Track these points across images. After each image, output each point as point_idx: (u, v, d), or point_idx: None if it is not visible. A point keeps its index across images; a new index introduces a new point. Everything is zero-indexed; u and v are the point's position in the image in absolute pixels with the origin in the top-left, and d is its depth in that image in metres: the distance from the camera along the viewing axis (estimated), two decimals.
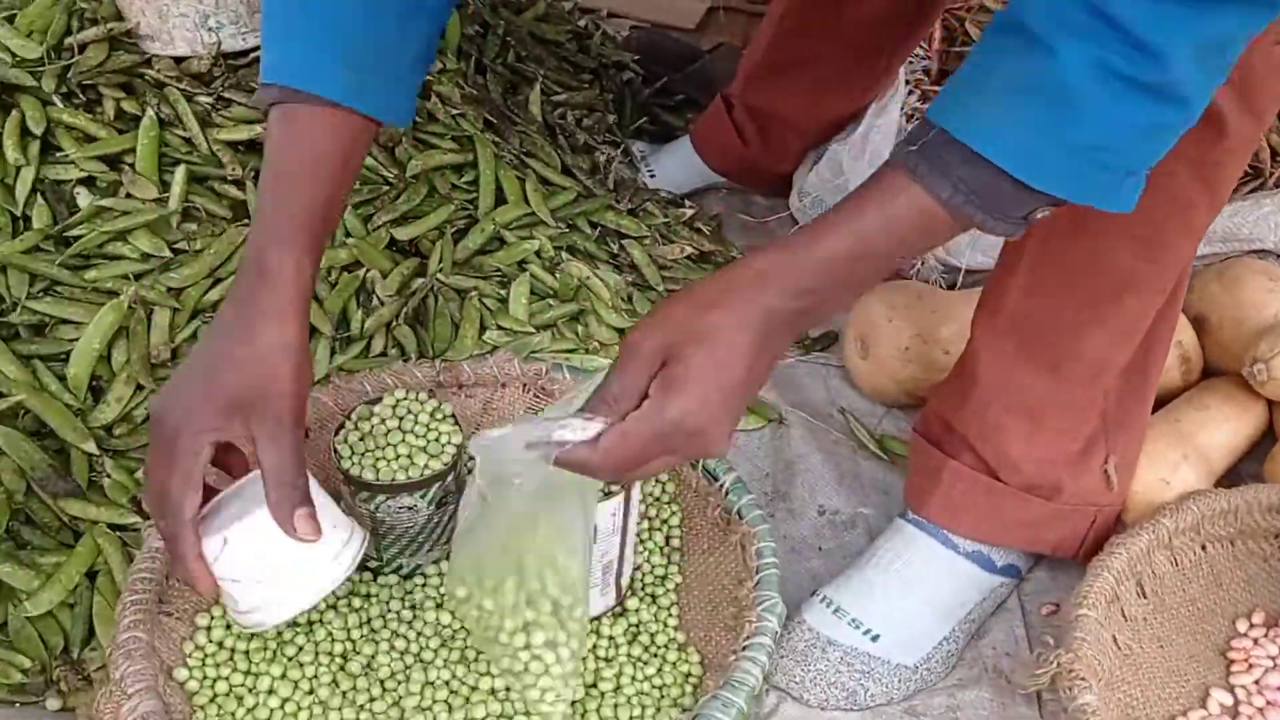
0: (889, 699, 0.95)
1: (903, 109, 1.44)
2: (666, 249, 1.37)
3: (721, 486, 1.04)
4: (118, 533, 1.00)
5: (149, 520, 0.98)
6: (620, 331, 1.24)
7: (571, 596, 0.84)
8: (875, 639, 0.94)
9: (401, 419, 0.96)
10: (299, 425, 0.79)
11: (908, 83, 1.47)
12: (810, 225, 0.72)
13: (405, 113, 0.90)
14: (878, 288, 1.27)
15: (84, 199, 1.15)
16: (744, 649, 0.91)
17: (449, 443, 0.95)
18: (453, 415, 0.97)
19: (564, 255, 1.28)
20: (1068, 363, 0.94)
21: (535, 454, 0.74)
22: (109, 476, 1.04)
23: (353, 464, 0.93)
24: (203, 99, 1.21)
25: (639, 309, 1.28)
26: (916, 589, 0.96)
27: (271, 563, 0.80)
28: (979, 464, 0.98)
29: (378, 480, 0.93)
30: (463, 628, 0.96)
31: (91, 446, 1.03)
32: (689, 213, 1.44)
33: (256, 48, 1.26)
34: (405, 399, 0.98)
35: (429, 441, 0.95)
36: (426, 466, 0.93)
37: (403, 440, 0.94)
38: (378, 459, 0.93)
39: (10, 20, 1.20)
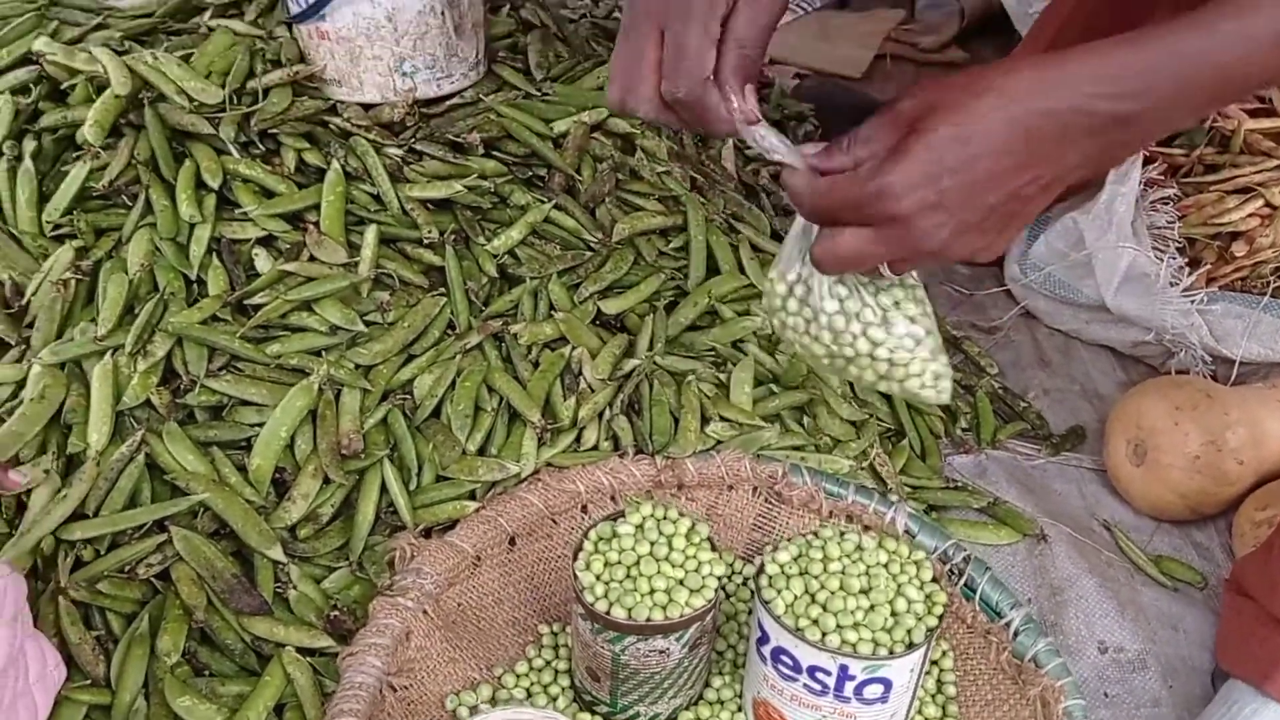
0: None
1: (1142, 173, 1.28)
2: None
3: (1009, 625, 0.88)
4: (307, 658, 0.86)
5: (345, 643, 0.85)
6: (853, 424, 1.08)
7: None
8: None
9: (654, 544, 0.81)
10: None
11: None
12: (1124, 36, 0.59)
13: None
14: (1153, 384, 1.10)
15: (262, 261, 1.02)
16: None
17: (709, 574, 0.80)
18: (710, 539, 0.82)
19: None
20: None
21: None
22: (294, 588, 0.90)
23: (598, 598, 0.78)
24: (393, 151, 1.08)
25: (865, 396, 1.13)
26: None
27: None
28: None
29: (629, 620, 0.78)
30: None
31: (279, 553, 0.89)
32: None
33: (451, 95, 1.14)
34: (653, 515, 0.83)
35: (687, 573, 0.80)
36: (687, 604, 0.78)
37: (658, 572, 0.79)
38: (626, 592, 0.78)
39: (186, 59, 1.08)
